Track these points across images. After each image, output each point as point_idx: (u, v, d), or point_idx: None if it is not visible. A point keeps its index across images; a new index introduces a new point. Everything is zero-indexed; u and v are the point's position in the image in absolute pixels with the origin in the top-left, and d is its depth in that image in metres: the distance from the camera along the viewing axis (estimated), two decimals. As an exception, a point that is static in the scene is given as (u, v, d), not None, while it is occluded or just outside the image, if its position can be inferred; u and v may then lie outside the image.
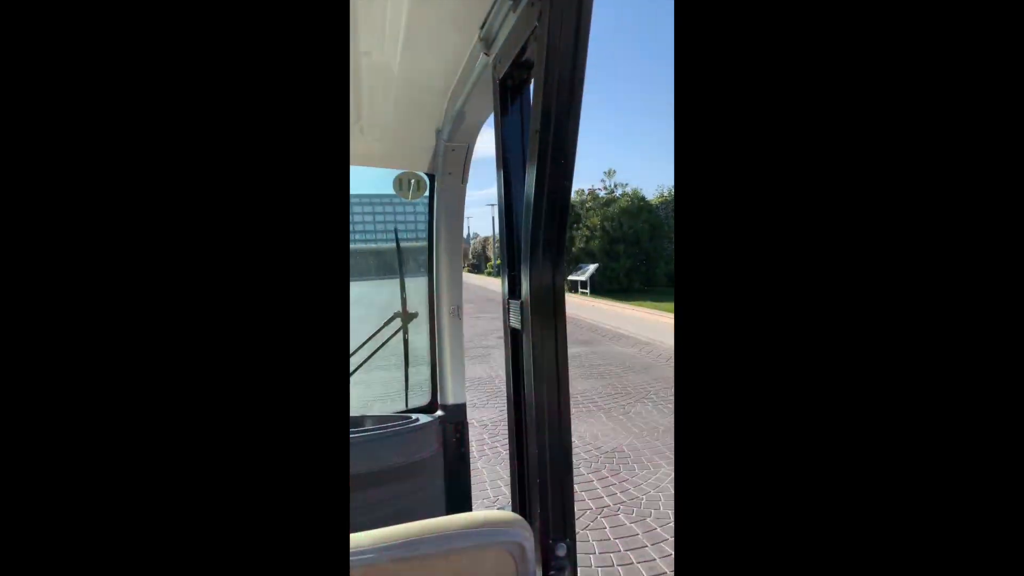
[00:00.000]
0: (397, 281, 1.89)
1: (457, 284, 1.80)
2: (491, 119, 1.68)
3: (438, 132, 1.62)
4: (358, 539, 0.65)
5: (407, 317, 1.89)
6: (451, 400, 1.82)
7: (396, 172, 1.80)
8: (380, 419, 1.78)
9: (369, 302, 1.92)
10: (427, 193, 1.82)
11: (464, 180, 1.71)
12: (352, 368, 1.83)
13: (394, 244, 1.92)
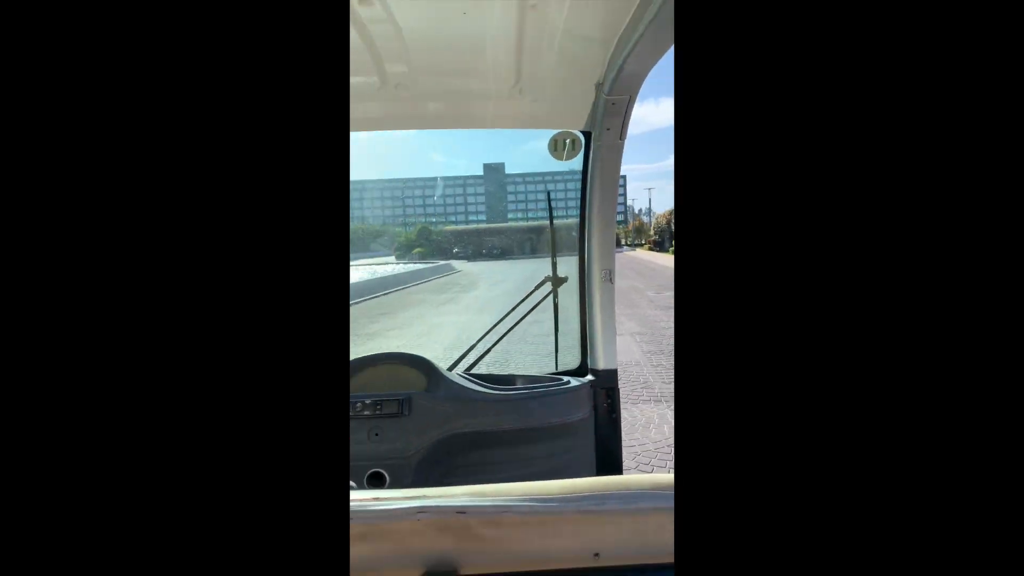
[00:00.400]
0: (575, 259, 1.86)
1: (609, 248, 1.72)
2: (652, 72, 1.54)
3: (598, 85, 1.55)
4: (543, 487, 0.64)
5: (557, 281, 1.88)
6: (602, 365, 1.77)
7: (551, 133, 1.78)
8: (531, 379, 1.82)
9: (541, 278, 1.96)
10: (582, 153, 1.76)
11: (622, 136, 1.61)
12: (506, 330, 1.90)
13: (572, 220, 1.89)
